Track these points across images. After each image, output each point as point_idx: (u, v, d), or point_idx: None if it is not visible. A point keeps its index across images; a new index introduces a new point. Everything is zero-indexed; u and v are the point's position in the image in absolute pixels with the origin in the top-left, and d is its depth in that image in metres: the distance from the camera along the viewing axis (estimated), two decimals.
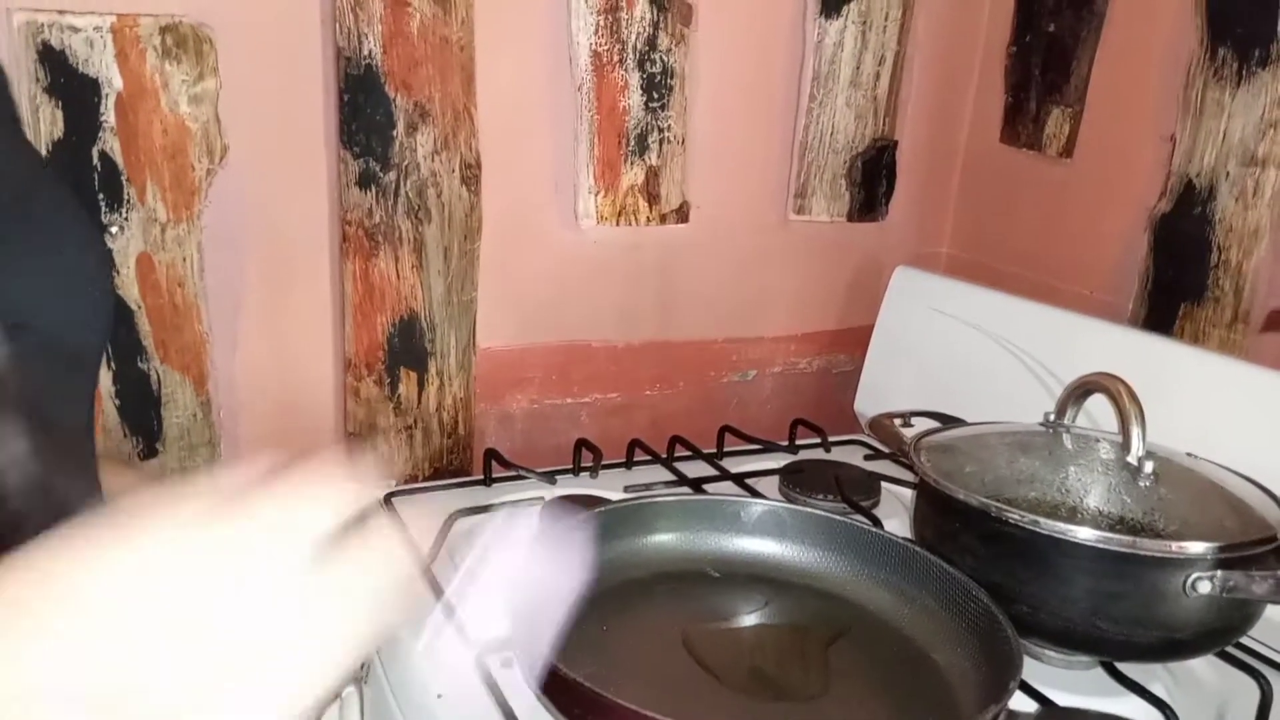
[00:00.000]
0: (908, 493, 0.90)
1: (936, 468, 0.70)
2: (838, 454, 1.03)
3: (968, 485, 0.67)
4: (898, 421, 0.85)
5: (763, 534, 0.72)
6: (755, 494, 0.89)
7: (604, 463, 0.97)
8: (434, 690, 0.63)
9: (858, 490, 0.92)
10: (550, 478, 0.92)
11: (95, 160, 0.78)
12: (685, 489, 0.91)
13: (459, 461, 0.98)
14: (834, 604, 0.69)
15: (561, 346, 1.03)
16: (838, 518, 0.72)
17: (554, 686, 0.53)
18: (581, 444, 0.97)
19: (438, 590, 0.73)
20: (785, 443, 1.05)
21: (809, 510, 0.73)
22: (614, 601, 0.67)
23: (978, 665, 0.60)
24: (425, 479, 0.96)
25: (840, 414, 1.14)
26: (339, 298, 0.89)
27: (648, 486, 0.91)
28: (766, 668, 0.62)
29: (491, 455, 0.94)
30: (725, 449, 1.04)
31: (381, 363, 0.91)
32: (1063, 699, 0.65)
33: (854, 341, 1.15)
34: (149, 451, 0.84)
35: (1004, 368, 0.95)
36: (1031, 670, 0.68)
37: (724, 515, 0.72)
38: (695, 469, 0.97)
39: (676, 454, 1.00)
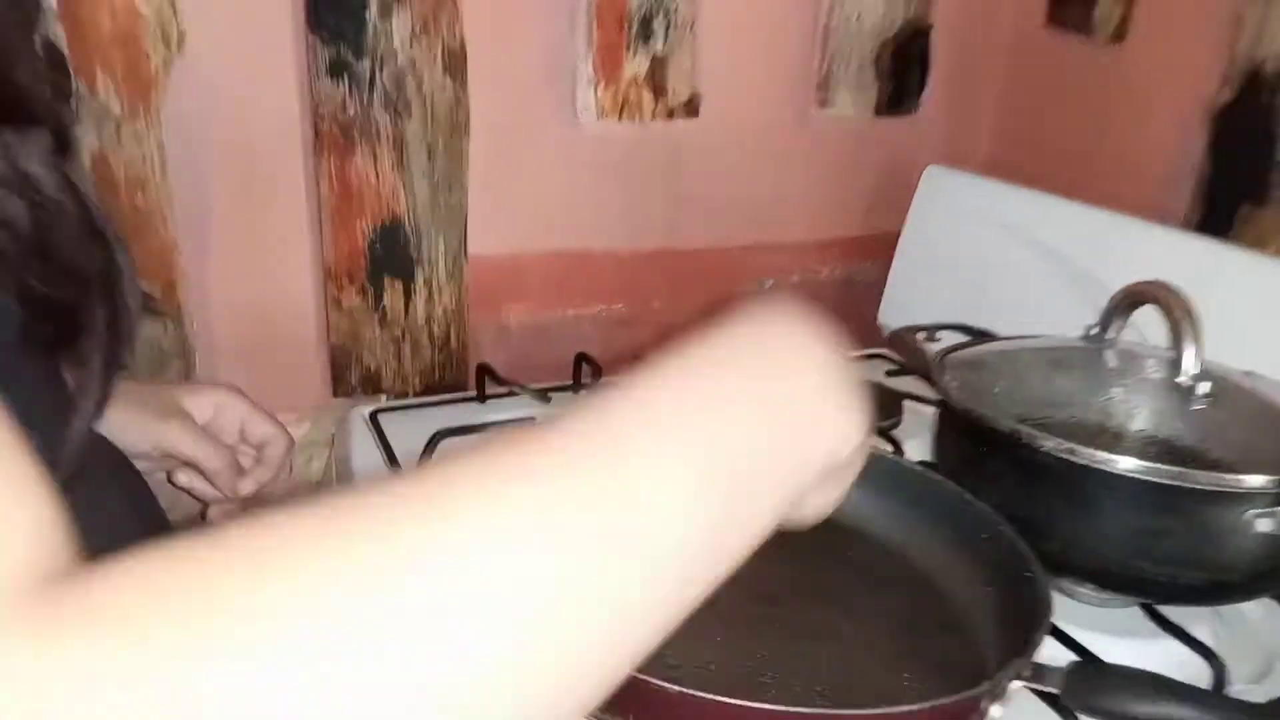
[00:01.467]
0: (933, 412, 0.83)
1: (962, 387, 0.63)
2: (859, 369, 0.96)
3: (996, 407, 0.60)
4: (922, 336, 0.78)
5: None
6: None
7: (605, 379, 0.91)
8: None
9: (878, 409, 0.85)
10: (545, 395, 0.86)
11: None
12: None
13: (452, 377, 0.92)
14: (840, 536, 0.63)
15: (561, 254, 0.96)
16: None
17: None
18: (581, 358, 0.91)
19: None
20: None
21: None
22: None
23: (1001, 610, 0.54)
24: (416, 394, 0.90)
25: (863, 329, 1.06)
26: (315, 200, 0.83)
27: None
28: (759, 601, 0.56)
29: (485, 371, 0.88)
30: None
31: (363, 271, 0.84)
32: (1095, 640, 0.59)
33: (879, 249, 1.06)
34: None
35: (1043, 277, 0.87)
36: (1062, 608, 0.62)
37: None
38: None
39: None
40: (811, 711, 0.40)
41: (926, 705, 0.41)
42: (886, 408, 0.87)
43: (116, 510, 0.53)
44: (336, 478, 0.89)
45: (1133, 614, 0.63)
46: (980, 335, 0.76)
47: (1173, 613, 0.61)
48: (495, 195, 0.90)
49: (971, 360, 0.68)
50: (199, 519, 0.79)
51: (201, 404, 0.66)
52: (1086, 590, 0.63)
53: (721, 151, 0.98)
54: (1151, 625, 0.61)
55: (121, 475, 0.56)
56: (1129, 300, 0.65)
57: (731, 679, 0.40)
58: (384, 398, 0.89)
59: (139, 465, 0.66)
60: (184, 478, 0.66)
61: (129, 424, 0.61)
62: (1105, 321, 0.66)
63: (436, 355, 0.90)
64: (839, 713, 0.40)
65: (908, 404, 0.89)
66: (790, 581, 0.58)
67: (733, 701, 0.39)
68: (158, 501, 0.60)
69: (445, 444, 0.75)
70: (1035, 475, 0.58)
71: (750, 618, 0.54)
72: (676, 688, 0.39)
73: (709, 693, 0.40)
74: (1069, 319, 0.74)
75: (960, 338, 0.76)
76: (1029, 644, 0.45)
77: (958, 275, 0.96)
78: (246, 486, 0.66)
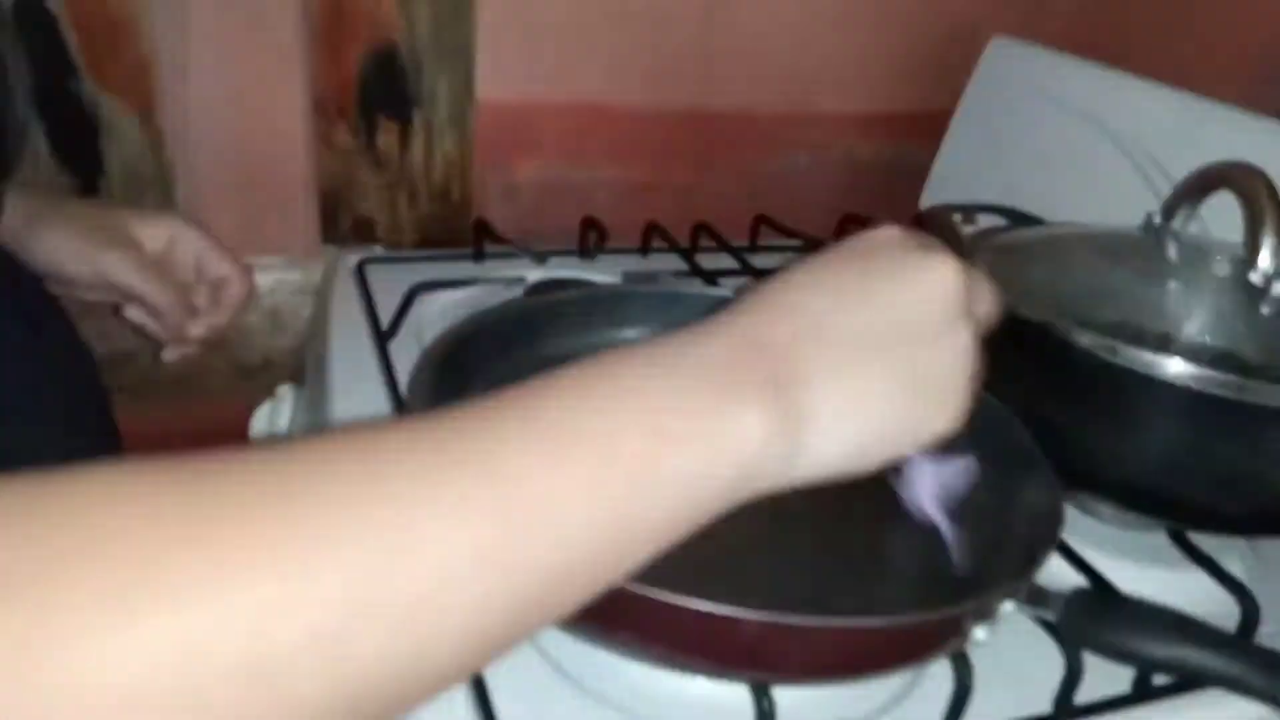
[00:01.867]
0: None
1: (995, 273, 0.55)
2: None
3: (1030, 297, 0.52)
4: (959, 217, 0.69)
5: None
6: None
7: (615, 247, 0.84)
8: None
9: None
10: (542, 257, 0.80)
11: None
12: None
13: (452, 232, 0.86)
14: None
15: (578, 106, 0.87)
16: None
17: None
18: (589, 223, 0.84)
19: (388, 370, 0.63)
20: (830, 240, 0.90)
21: None
22: None
23: (1008, 523, 0.47)
24: (412, 246, 0.84)
25: (903, 217, 0.97)
26: (306, 20, 0.75)
27: (652, 277, 0.78)
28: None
29: (482, 226, 0.81)
30: (758, 243, 0.90)
31: (354, 105, 0.77)
32: (1111, 566, 0.52)
33: (929, 129, 0.96)
34: (88, 187, 0.74)
35: (1110, 169, 0.77)
36: (1078, 527, 0.56)
37: (711, 311, 0.58)
38: (718, 262, 0.83)
39: (700, 245, 0.86)
40: (761, 618, 0.34)
41: (899, 619, 0.35)
42: None
43: (16, 338, 0.48)
44: (315, 329, 0.84)
45: (1158, 541, 0.57)
46: (1024, 220, 0.67)
47: (1204, 542, 0.54)
48: (508, 34, 0.81)
49: (1010, 245, 0.60)
50: (143, 354, 0.74)
51: (155, 234, 0.60)
52: (1109, 510, 0.56)
53: (765, 3, 0.88)
54: (1178, 554, 0.55)
55: (25, 301, 0.51)
56: (1202, 183, 0.56)
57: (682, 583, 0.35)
58: (377, 248, 0.83)
59: (87, 296, 0.61)
60: (134, 313, 0.61)
61: (65, 246, 0.56)
62: (1170, 208, 0.58)
63: (435, 207, 0.84)
64: (793, 621, 0.34)
65: None
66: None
67: (675, 602, 0.34)
68: (74, 331, 0.55)
69: (422, 298, 0.70)
70: (1067, 376, 0.50)
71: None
72: (657, 593, 0.34)
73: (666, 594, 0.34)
74: (1131, 216, 0.65)
75: (1002, 223, 0.67)
76: (1030, 561, 0.39)
77: (1013, 161, 0.86)
78: (196, 329, 0.61)
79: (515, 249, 0.80)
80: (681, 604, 0.34)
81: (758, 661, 0.35)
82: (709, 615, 0.33)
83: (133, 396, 0.81)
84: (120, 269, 0.56)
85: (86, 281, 0.57)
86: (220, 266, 0.62)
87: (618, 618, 0.32)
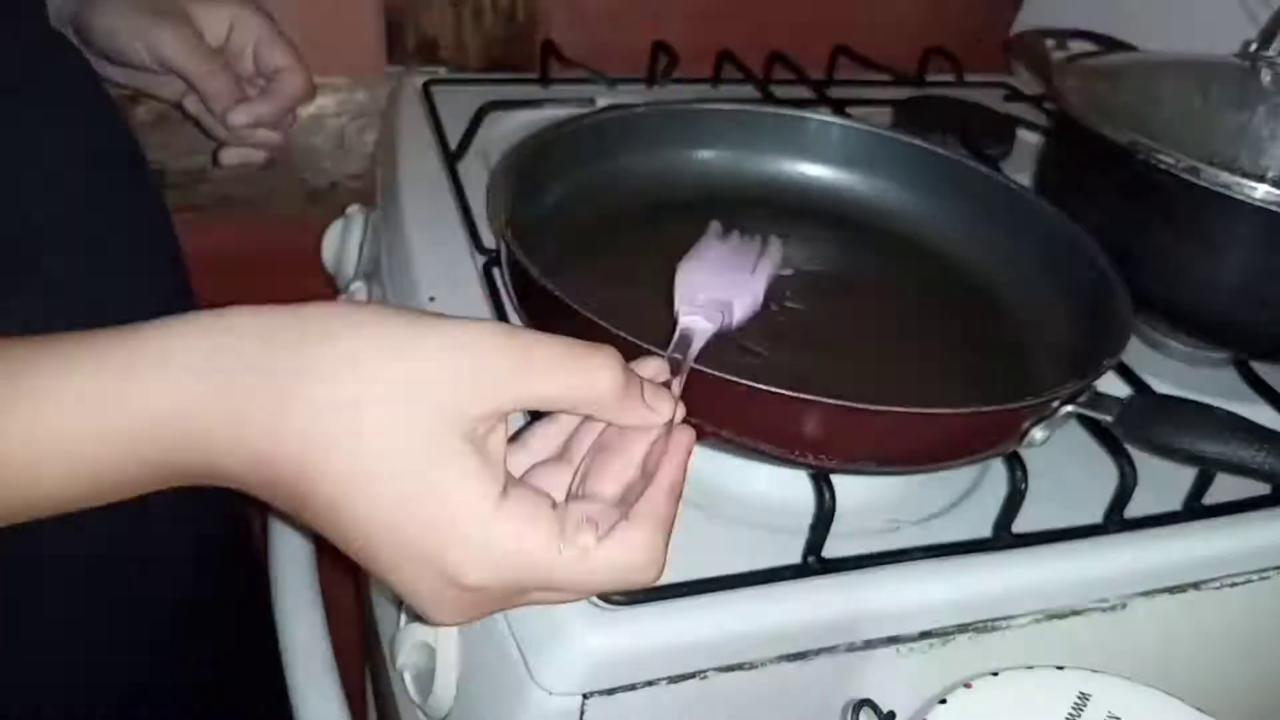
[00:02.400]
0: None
1: (1082, 94, 0.54)
2: (974, 94, 0.85)
3: (1116, 118, 0.51)
4: (1052, 43, 0.66)
5: (835, 162, 0.58)
6: None
7: (686, 76, 0.83)
8: (426, 293, 0.55)
9: (986, 135, 0.76)
10: (612, 83, 0.79)
11: None
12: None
13: (517, 55, 0.84)
14: (913, 251, 0.56)
15: None
16: (929, 148, 0.57)
17: (526, 294, 0.44)
18: (659, 47, 0.82)
19: (458, 189, 0.64)
20: (911, 74, 0.88)
21: (896, 136, 0.58)
22: (641, 221, 0.56)
23: (1075, 340, 0.48)
24: (476, 69, 0.84)
25: (989, 51, 0.94)
26: None
27: None
28: (811, 312, 0.51)
29: (549, 48, 0.80)
30: (836, 76, 0.88)
31: None
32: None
33: None
34: None
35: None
36: (1142, 358, 0.56)
37: (790, 134, 0.58)
38: (793, 94, 0.81)
39: (775, 75, 0.84)
40: (830, 402, 0.35)
41: (960, 410, 0.36)
42: (997, 134, 0.77)
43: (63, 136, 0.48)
44: (383, 150, 0.85)
45: (1223, 375, 0.56)
46: (1118, 46, 0.64)
47: (1272, 376, 0.54)
48: None
49: (1101, 69, 0.58)
50: (214, 172, 0.74)
51: (215, 16, 0.58)
52: (1176, 342, 0.56)
53: None
54: (1243, 387, 0.55)
55: (77, 96, 0.51)
56: None
57: (758, 374, 0.36)
58: (441, 70, 0.83)
59: (146, 86, 0.60)
60: (191, 103, 0.60)
61: (120, 24, 0.55)
62: (1269, 35, 0.55)
63: (500, 27, 0.83)
64: (861, 406, 0.35)
65: (1021, 132, 0.79)
66: (853, 291, 0.53)
67: (746, 384, 0.35)
68: (127, 133, 0.55)
69: (493, 117, 0.70)
70: (1148, 198, 0.49)
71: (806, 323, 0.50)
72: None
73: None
74: (1232, 45, 0.62)
75: (1094, 49, 0.64)
76: (1094, 368, 0.39)
77: None
78: (239, 117, 0.57)
79: (585, 72, 0.78)
80: (753, 387, 0.35)
81: (821, 445, 0.36)
82: (778, 397, 0.34)
83: (204, 215, 0.83)
84: (173, 46, 0.55)
85: (141, 60, 0.56)
86: (278, 56, 0.59)
87: (689, 400, 0.34)
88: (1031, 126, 0.79)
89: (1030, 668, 0.34)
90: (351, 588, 0.87)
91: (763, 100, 0.79)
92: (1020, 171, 0.74)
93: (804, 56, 0.85)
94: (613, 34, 0.88)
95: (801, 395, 0.34)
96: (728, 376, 0.35)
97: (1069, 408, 0.39)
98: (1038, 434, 0.39)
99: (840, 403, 0.35)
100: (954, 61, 0.87)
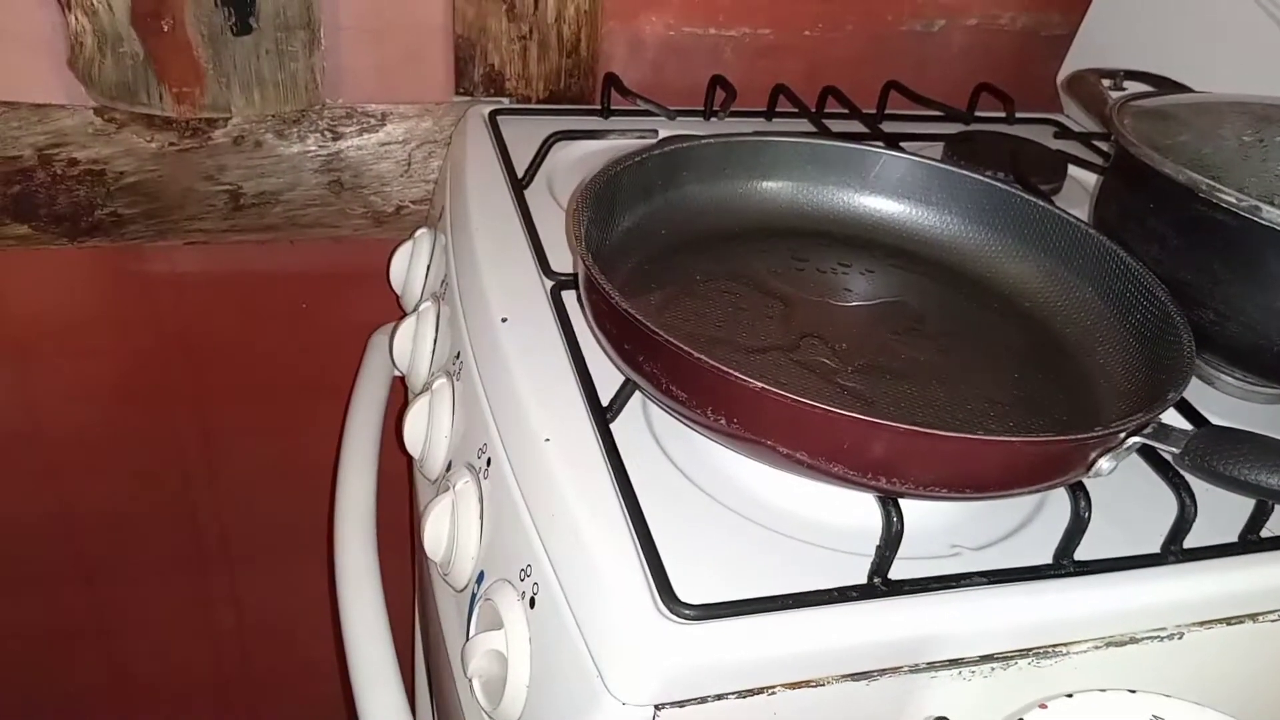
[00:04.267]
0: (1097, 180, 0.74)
1: (1140, 133, 0.55)
2: (1024, 131, 0.87)
3: (1176, 157, 0.52)
4: (1107, 84, 0.68)
5: (897, 194, 0.60)
6: None
7: (741, 109, 0.85)
8: (499, 314, 0.57)
9: (1037, 170, 0.77)
10: (673, 115, 0.81)
11: None
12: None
13: (579, 87, 0.87)
14: (973, 284, 0.58)
15: None
16: (991, 182, 0.59)
17: (604, 315, 0.46)
18: (716, 81, 0.84)
19: (525, 215, 0.66)
20: (962, 110, 0.89)
21: (957, 170, 0.59)
22: (704, 248, 0.58)
23: (1133, 373, 0.49)
24: (539, 100, 0.86)
25: (1039, 89, 0.95)
26: None
27: None
28: (875, 341, 0.52)
29: (612, 81, 0.83)
30: (887, 110, 0.89)
31: None
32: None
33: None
34: (242, 27, 0.77)
35: (1258, 33, 0.74)
36: (1197, 393, 0.57)
37: (852, 166, 0.60)
38: (845, 128, 0.83)
39: (828, 109, 0.86)
40: (904, 427, 0.37)
41: (1028, 437, 0.37)
42: (1048, 170, 0.79)
43: None
44: (450, 178, 0.87)
45: (1276, 410, 0.57)
46: (1172, 87, 0.66)
47: None
48: None
49: (1157, 110, 0.59)
50: (286, 192, 0.75)
51: None
52: (1229, 378, 0.57)
53: None
54: None
55: None
56: None
57: (826, 403, 0.37)
58: (506, 100, 0.86)
59: None
60: None
61: None
62: None
63: (564, 60, 0.85)
64: (936, 432, 0.37)
65: (1072, 170, 0.80)
66: (918, 321, 0.54)
67: (820, 408, 0.37)
68: None
69: (559, 146, 0.72)
70: (1205, 235, 0.50)
71: (872, 352, 0.51)
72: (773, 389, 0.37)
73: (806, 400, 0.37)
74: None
75: (1149, 89, 0.66)
76: (1160, 399, 0.41)
77: (1158, 30, 0.83)
78: None
79: (646, 104, 0.81)
80: (826, 410, 0.36)
81: (893, 470, 0.38)
82: (851, 420, 0.36)
83: (276, 235, 0.87)
84: None
85: None
86: None
87: (769, 424, 0.35)
88: (1082, 164, 0.80)
89: (1103, 690, 0.35)
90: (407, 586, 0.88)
91: (817, 133, 0.81)
92: (1071, 207, 0.74)
93: (856, 92, 0.87)
94: (672, 68, 0.91)
95: (878, 420, 0.36)
96: (805, 400, 0.37)
97: (1136, 439, 0.41)
98: (1104, 464, 0.40)
99: (915, 428, 0.36)
100: (1004, 99, 0.89)
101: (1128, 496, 0.49)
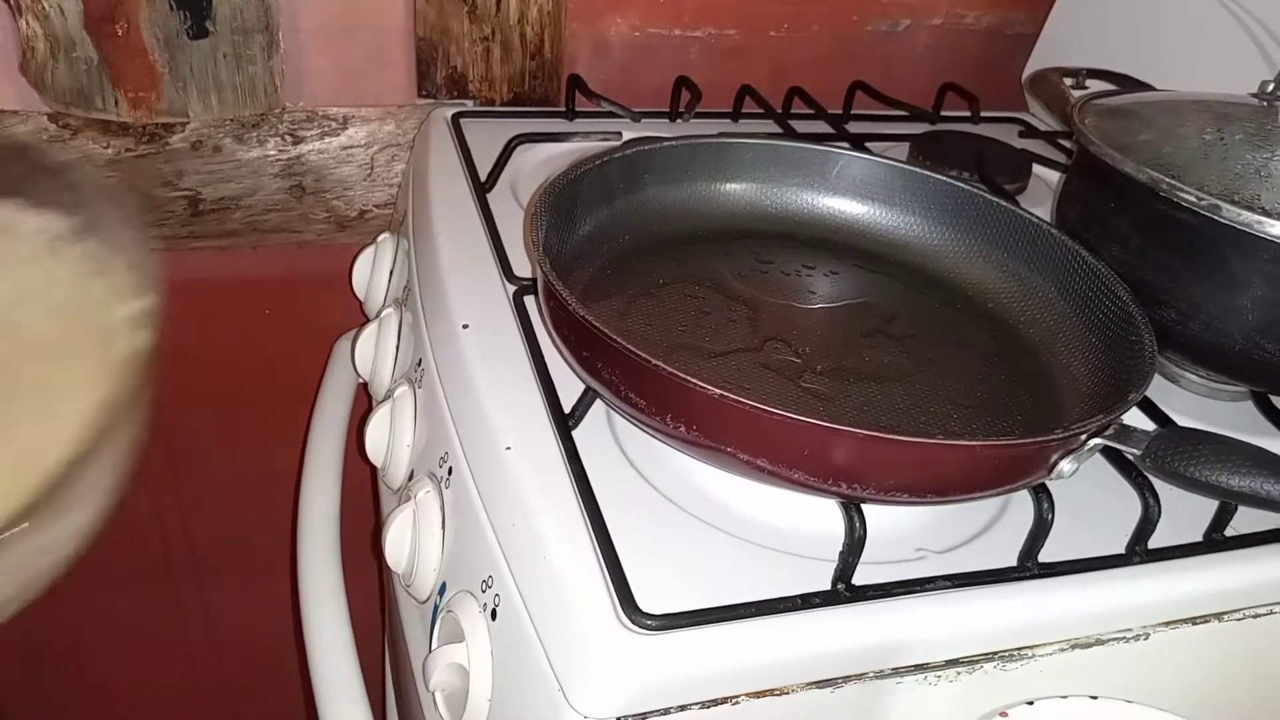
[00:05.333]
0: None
1: (1101, 132, 0.55)
2: (989, 130, 0.87)
3: (1136, 156, 0.52)
4: (1070, 82, 0.68)
5: (860, 195, 0.60)
6: None
7: (707, 110, 0.84)
8: (460, 320, 0.57)
9: (1002, 170, 0.77)
10: (637, 117, 0.80)
11: None
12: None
13: (543, 89, 0.86)
14: (937, 285, 0.58)
15: None
16: (953, 183, 0.58)
17: (562, 321, 0.45)
18: (682, 83, 0.84)
19: (488, 219, 0.65)
20: (928, 109, 0.89)
21: (919, 171, 0.59)
22: (667, 251, 0.57)
23: (1096, 373, 0.49)
24: (503, 103, 0.86)
25: (1004, 88, 0.95)
26: None
27: None
28: (840, 343, 0.52)
29: (576, 83, 0.82)
30: (853, 111, 0.89)
31: None
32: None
33: None
34: (198, 30, 0.76)
35: (1220, 33, 0.74)
36: (1161, 392, 0.57)
37: (815, 167, 0.59)
38: (811, 129, 0.83)
39: (794, 110, 0.86)
40: (862, 432, 0.36)
41: (990, 442, 0.37)
42: (1012, 169, 0.79)
43: None
44: (413, 182, 0.86)
45: (1241, 408, 0.57)
46: (1134, 85, 0.66)
47: None
48: None
49: (1119, 108, 0.59)
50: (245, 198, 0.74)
51: None
52: (1193, 377, 0.57)
53: None
54: (1260, 419, 0.55)
55: None
56: None
57: (788, 406, 0.37)
58: (469, 103, 0.85)
59: None
60: None
61: None
62: None
63: (528, 62, 0.84)
64: (896, 437, 0.36)
65: (1037, 169, 0.80)
66: (882, 322, 0.54)
67: (781, 415, 0.36)
68: None
69: (522, 149, 0.71)
70: (1166, 234, 0.50)
71: (832, 355, 0.51)
72: (734, 397, 0.36)
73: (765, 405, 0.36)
74: (1247, 86, 0.63)
75: (1111, 88, 0.66)
76: (1121, 401, 0.40)
77: (1122, 29, 0.83)
78: None
79: (610, 106, 0.80)
80: (784, 416, 0.36)
81: (854, 476, 0.37)
82: (810, 426, 0.35)
83: (237, 241, 0.85)
84: None
85: None
86: None
87: (727, 431, 0.35)
88: (1046, 162, 0.80)
89: (1064, 697, 0.34)
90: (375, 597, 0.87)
91: (784, 134, 0.81)
92: (1036, 206, 0.75)
93: (822, 92, 0.86)
94: (637, 69, 0.90)
95: (836, 426, 0.35)
96: (763, 406, 0.36)
97: (1097, 440, 0.40)
98: (1066, 466, 0.40)
99: (873, 433, 0.36)
100: (970, 98, 0.89)
101: (1094, 497, 0.48)
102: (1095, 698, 0.34)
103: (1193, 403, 0.58)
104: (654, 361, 0.38)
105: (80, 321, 0.47)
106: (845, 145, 0.66)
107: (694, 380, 0.37)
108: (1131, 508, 0.47)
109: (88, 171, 0.53)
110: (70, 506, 0.34)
